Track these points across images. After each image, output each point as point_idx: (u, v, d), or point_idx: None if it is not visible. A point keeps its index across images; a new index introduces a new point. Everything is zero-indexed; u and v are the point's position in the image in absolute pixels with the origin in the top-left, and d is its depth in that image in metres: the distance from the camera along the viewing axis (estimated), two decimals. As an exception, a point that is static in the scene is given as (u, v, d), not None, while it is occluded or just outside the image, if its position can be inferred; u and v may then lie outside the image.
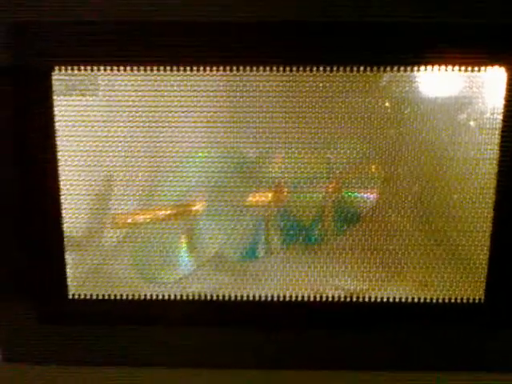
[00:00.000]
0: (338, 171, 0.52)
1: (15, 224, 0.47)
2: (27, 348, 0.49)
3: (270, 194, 0.54)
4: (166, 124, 0.47)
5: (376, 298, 0.48)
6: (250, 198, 0.53)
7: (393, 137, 0.48)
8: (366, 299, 0.48)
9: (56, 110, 0.45)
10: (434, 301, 0.48)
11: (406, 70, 0.44)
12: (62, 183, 0.46)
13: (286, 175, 0.51)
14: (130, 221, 0.53)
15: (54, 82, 0.44)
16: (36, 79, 0.44)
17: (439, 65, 0.43)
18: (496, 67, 0.43)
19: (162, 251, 0.52)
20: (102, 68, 0.44)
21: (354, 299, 0.48)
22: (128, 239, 0.53)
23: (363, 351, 0.49)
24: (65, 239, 0.47)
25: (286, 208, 0.53)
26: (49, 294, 0.48)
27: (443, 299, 0.48)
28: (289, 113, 0.47)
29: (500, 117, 0.44)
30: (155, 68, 0.44)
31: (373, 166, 0.53)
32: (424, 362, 0.49)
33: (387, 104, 0.47)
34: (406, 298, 0.48)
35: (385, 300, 0.48)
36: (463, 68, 0.43)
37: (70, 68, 0.44)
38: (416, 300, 0.48)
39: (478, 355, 0.48)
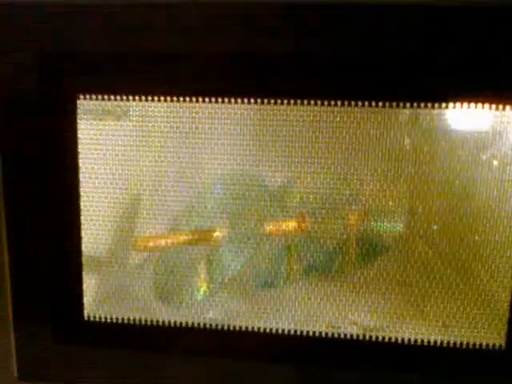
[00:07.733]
0: (361, 202, 0.51)
1: (34, 243, 0.48)
2: (42, 368, 0.50)
3: (292, 223, 0.53)
4: (190, 151, 0.48)
5: (390, 338, 0.46)
6: (272, 227, 0.53)
7: (416, 172, 0.47)
8: (380, 339, 0.47)
9: (80, 134, 0.46)
10: (452, 345, 0.46)
11: (427, 107, 0.43)
12: (82, 205, 0.47)
13: (308, 204, 0.51)
14: (151, 244, 0.54)
15: (78, 108, 0.45)
16: (61, 106, 0.45)
17: (462, 102, 0.42)
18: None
19: (182, 275, 0.53)
20: (126, 97, 0.45)
21: (368, 337, 0.47)
22: (148, 262, 0.54)
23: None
24: (83, 260, 0.48)
25: (308, 237, 0.53)
26: (64, 315, 0.49)
27: (461, 343, 0.46)
28: (312, 143, 0.47)
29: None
30: (179, 98, 0.44)
31: (397, 199, 0.52)
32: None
33: (408, 140, 0.46)
34: (422, 341, 0.46)
35: (399, 341, 0.46)
36: (487, 105, 0.42)
37: (94, 97, 0.45)
38: (432, 343, 0.46)
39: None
